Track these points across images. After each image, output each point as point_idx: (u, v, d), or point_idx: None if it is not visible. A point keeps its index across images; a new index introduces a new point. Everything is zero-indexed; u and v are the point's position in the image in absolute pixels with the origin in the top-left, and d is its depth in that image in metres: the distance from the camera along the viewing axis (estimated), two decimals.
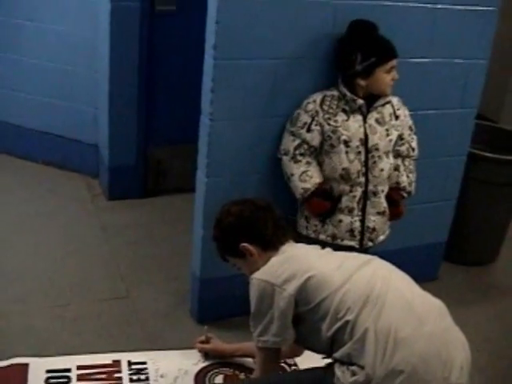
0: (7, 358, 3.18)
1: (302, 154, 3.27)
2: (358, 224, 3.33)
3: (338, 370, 2.35)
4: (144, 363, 3.26)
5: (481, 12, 3.60)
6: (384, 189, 3.36)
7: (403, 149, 3.42)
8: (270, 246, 2.63)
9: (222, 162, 3.32)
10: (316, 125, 3.23)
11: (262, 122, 3.32)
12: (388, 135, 3.28)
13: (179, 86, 4.89)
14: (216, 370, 3.26)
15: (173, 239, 4.50)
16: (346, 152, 3.22)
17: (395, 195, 3.44)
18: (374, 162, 3.27)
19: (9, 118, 5.52)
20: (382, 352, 2.25)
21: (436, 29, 3.52)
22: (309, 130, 3.24)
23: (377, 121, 3.26)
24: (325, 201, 3.31)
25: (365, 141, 3.23)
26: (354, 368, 2.30)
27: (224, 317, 3.61)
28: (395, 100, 3.34)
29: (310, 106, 3.24)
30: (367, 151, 3.24)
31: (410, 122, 3.43)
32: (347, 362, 2.33)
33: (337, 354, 2.38)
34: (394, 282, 2.46)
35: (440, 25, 3.52)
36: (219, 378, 3.21)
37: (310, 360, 2.92)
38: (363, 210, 3.33)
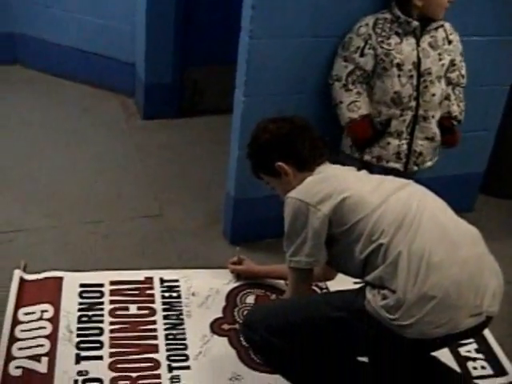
0: (42, 272, 3.20)
1: (353, 82, 3.24)
2: (405, 147, 3.31)
3: (369, 293, 2.31)
4: (176, 281, 3.27)
5: None
6: (435, 114, 3.31)
7: (453, 76, 3.36)
8: (306, 166, 2.58)
9: (261, 81, 3.26)
10: (369, 48, 3.18)
11: (303, 41, 3.25)
12: (441, 60, 3.23)
13: (218, 4, 4.82)
14: (248, 290, 3.27)
15: (207, 160, 4.48)
16: (399, 75, 3.18)
17: (447, 123, 3.41)
18: (426, 87, 3.22)
19: (45, 36, 5.50)
20: (415, 276, 2.21)
21: None
22: (362, 55, 3.19)
23: (430, 45, 3.19)
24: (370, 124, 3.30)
25: (417, 64, 3.18)
26: (384, 292, 2.27)
27: (256, 238, 3.60)
28: (447, 25, 3.27)
29: (363, 30, 3.18)
30: (419, 75, 3.19)
31: (461, 48, 3.36)
32: (378, 285, 2.30)
33: (368, 277, 2.34)
34: (430, 206, 2.41)
35: None
36: (251, 298, 3.22)
37: (341, 285, 2.88)
38: (411, 134, 3.31)
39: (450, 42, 3.27)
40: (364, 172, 2.67)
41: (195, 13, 4.83)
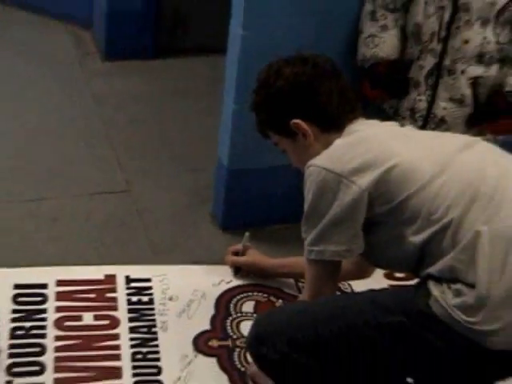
0: None
1: (388, 8, 3.26)
2: (423, 105, 3.33)
3: (435, 290, 2.30)
4: (148, 280, 3.29)
5: None
6: (466, 70, 3.25)
7: None
8: (333, 124, 2.58)
9: (266, 7, 3.26)
10: None
11: None
12: None
13: None
14: (245, 295, 3.28)
15: (192, 117, 4.51)
16: (426, 2, 3.19)
17: (499, 101, 3.35)
18: (458, 28, 3.19)
19: None
20: (501, 266, 2.20)
21: None
22: None
23: None
24: (380, 87, 3.36)
25: None
26: (458, 286, 2.25)
27: (257, 223, 3.61)
28: None
29: None
30: (455, 10, 3.17)
31: None
32: (447, 278, 2.29)
33: (431, 269, 2.33)
34: (508, 169, 2.40)
35: None
36: (249, 305, 3.23)
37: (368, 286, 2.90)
38: (433, 90, 3.30)
39: None
40: (411, 128, 2.69)
41: None
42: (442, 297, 2.27)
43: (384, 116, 3.16)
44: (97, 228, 3.60)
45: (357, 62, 3.36)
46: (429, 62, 3.25)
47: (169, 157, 4.18)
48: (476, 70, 3.25)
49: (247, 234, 3.32)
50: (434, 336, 2.30)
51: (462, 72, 3.24)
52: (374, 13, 3.28)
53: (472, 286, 2.21)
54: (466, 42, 3.18)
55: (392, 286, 3.07)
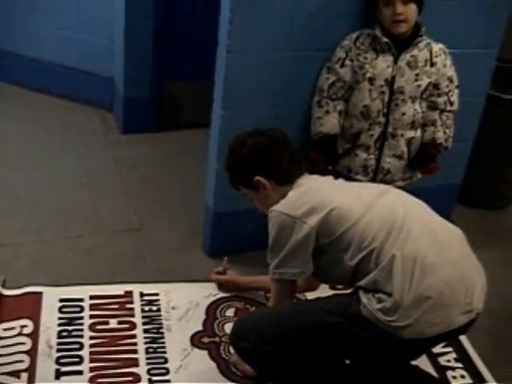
0: (21, 287, 3.20)
1: (330, 98, 3.29)
2: (372, 162, 3.34)
3: (364, 298, 2.36)
4: (156, 295, 3.28)
5: None
6: (404, 133, 3.31)
7: (440, 101, 3.35)
8: (285, 180, 2.61)
9: (238, 96, 3.27)
10: (349, 60, 3.23)
11: (280, 56, 3.27)
12: (417, 80, 3.23)
13: (197, 19, 4.84)
14: (227, 303, 3.28)
15: (186, 173, 4.49)
16: (370, 90, 3.22)
17: (431, 150, 3.42)
18: (397, 105, 3.24)
19: (23, 51, 5.49)
20: (410, 278, 2.28)
21: None
22: (342, 65, 3.25)
23: (408, 64, 3.20)
24: (324, 152, 3.36)
25: (391, 82, 3.20)
26: (380, 295, 2.32)
27: (236, 251, 3.58)
28: (437, 47, 3.29)
29: (346, 42, 3.25)
30: (392, 92, 3.22)
31: (451, 74, 3.35)
32: (372, 289, 2.35)
33: (361, 283, 2.39)
34: (416, 209, 2.50)
35: None
36: (230, 311, 3.23)
37: (319, 295, 2.93)
38: (380, 150, 3.33)
39: (432, 65, 3.26)
40: (341, 181, 2.72)
41: (174, 27, 4.85)
42: (369, 303, 2.33)
43: (335, 174, 3.18)
44: (118, 256, 3.59)
45: (311, 136, 3.38)
46: (377, 130, 3.28)
47: (171, 203, 4.17)
48: (410, 133, 3.33)
49: (226, 258, 3.36)
50: (364, 331, 2.36)
51: (402, 135, 3.30)
52: (320, 102, 3.30)
53: (389, 294, 2.27)
54: (403, 114, 3.25)
55: (335, 294, 3.09)
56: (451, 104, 3.38)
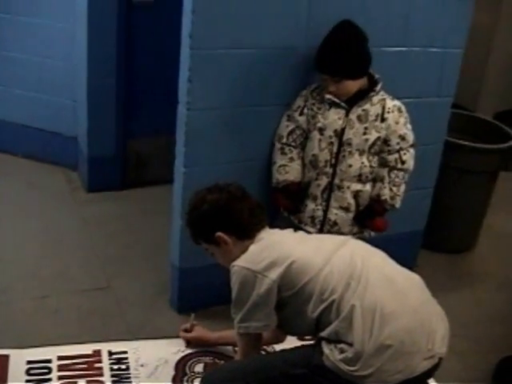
0: None
1: (291, 146, 3.33)
2: (320, 213, 3.37)
3: (326, 348, 2.39)
4: (124, 352, 3.27)
5: (457, 0, 3.62)
6: (350, 186, 3.32)
7: (391, 159, 3.34)
8: (246, 235, 2.64)
9: (200, 152, 3.32)
10: (306, 109, 3.29)
11: (238, 111, 3.33)
12: (365, 134, 3.25)
13: (158, 77, 4.88)
14: (196, 359, 3.28)
15: (153, 230, 4.50)
16: (319, 140, 3.27)
17: (376, 207, 3.41)
18: (344, 156, 3.27)
19: None
20: (370, 328, 2.31)
21: (412, 17, 3.53)
22: (301, 114, 3.31)
23: (358, 117, 3.23)
24: (289, 199, 3.39)
25: (340, 133, 3.23)
26: (341, 345, 2.34)
27: (204, 306, 3.61)
28: (391, 103, 3.30)
29: (304, 92, 3.32)
30: (340, 144, 3.25)
31: (404, 132, 3.33)
32: (334, 339, 2.37)
33: (323, 333, 2.41)
34: (373, 259, 2.53)
35: (416, 13, 3.53)
36: (199, 367, 3.23)
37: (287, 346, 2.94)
38: (327, 201, 3.36)
39: (383, 120, 3.27)
40: (301, 233, 2.76)
41: (135, 85, 4.90)
42: (331, 354, 2.35)
43: (290, 224, 3.21)
44: (86, 315, 3.58)
45: (272, 185, 3.41)
46: (324, 181, 3.31)
47: (138, 260, 4.17)
48: (357, 186, 3.33)
49: (193, 314, 3.36)
50: (328, 381, 2.37)
51: (348, 187, 3.32)
52: (283, 149, 3.34)
53: (351, 344, 2.30)
54: (350, 166, 3.27)
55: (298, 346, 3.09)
56: (402, 163, 3.35)
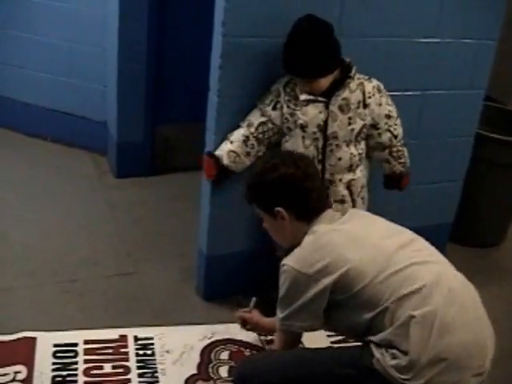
0: (15, 332, 3.20)
1: (257, 140, 3.22)
2: None
3: (377, 352, 2.30)
4: (150, 338, 3.28)
5: None
6: (342, 177, 3.24)
7: (385, 139, 3.26)
8: (307, 216, 2.52)
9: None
10: (280, 104, 3.17)
11: None
12: (350, 124, 3.14)
13: (189, 64, 4.90)
14: (221, 347, 3.28)
15: (180, 216, 4.52)
16: (303, 137, 3.15)
17: (396, 177, 3.38)
18: (331, 151, 3.17)
19: (17, 96, 5.54)
20: (427, 339, 2.22)
21: (446, 7, 3.49)
22: (274, 108, 3.18)
23: (340, 108, 3.10)
24: (215, 166, 3.26)
25: (324, 127, 3.12)
26: (394, 352, 2.26)
27: (230, 294, 3.60)
28: (370, 85, 3.17)
29: (275, 87, 3.20)
30: (325, 138, 3.15)
31: (388, 110, 3.23)
32: (386, 345, 2.29)
33: (374, 338, 2.32)
34: (435, 265, 2.41)
35: (450, 4, 3.50)
36: (225, 354, 3.23)
37: (314, 339, 2.94)
38: None
39: (365, 106, 3.15)
40: (365, 221, 2.60)
41: (165, 71, 4.92)
42: (382, 358, 2.27)
43: None
44: (113, 300, 3.60)
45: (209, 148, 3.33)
46: None
47: (165, 245, 4.19)
48: (348, 176, 3.24)
49: (254, 298, 3.17)
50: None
51: (340, 180, 3.23)
52: (248, 139, 3.21)
53: (405, 353, 2.22)
54: (340, 159, 3.18)
55: (332, 342, 3.10)
56: (395, 137, 3.28)
